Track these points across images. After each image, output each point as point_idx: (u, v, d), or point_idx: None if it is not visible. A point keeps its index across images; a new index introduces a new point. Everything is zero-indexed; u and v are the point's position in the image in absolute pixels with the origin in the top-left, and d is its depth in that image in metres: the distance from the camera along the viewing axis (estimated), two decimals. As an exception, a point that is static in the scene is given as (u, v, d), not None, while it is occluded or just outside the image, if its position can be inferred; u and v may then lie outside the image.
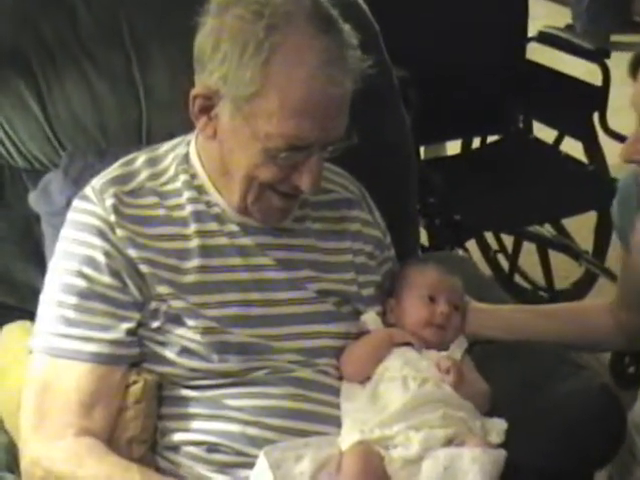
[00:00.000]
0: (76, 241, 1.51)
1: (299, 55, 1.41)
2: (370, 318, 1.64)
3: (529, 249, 3.35)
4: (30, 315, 1.67)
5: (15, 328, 1.69)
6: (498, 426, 1.56)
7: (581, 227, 3.05)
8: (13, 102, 1.77)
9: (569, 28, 5.21)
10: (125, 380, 1.48)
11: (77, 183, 1.71)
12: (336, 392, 1.56)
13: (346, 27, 1.48)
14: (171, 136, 1.75)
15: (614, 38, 5.50)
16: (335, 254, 1.64)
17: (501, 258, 3.42)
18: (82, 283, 1.48)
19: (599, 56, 2.90)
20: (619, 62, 2.99)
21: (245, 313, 1.53)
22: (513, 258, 3.35)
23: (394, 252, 1.78)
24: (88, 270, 1.48)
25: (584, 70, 3.00)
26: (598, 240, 3.09)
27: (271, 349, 1.53)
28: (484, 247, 3.37)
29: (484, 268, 3.04)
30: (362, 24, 1.90)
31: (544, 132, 3.19)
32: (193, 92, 1.49)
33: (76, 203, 1.55)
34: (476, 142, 3.32)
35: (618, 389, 2.60)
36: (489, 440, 1.53)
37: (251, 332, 1.52)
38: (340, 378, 1.58)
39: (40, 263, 1.74)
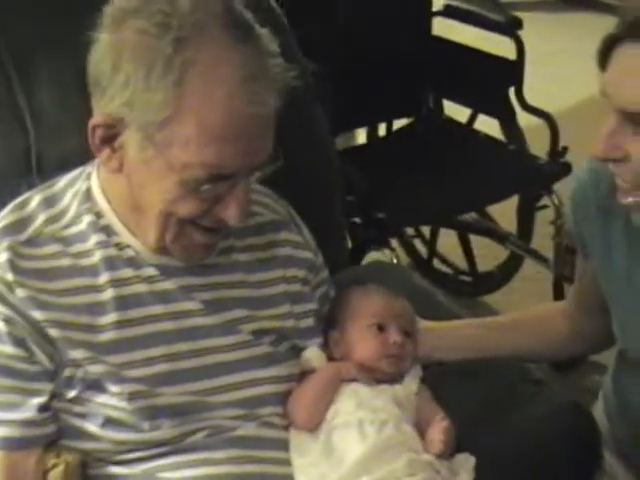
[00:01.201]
0: None
1: (215, 71, 1.23)
2: (313, 354, 1.47)
3: (447, 232, 3.23)
4: None
5: None
6: (466, 464, 1.42)
7: (502, 207, 2.92)
8: None
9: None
10: (42, 465, 1.29)
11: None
12: (285, 446, 1.39)
13: (264, 32, 1.29)
14: (65, 164, 1.55)
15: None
16: (267, 286, 1.47)
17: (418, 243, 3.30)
18: None
19: (511, 28, 2.76)
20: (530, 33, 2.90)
21: (173, 368, 1.34)
22: (431, 243, 3.24)
23: (327, 273, 1.61)
24: None
25: (495, 43, 2.86)
26: (521, 221, 2.98)
27: (207, 406, 1.35)
28: (400, 234, 3.22)
29: (400, 254, 2.90)
30: (271, 18, 1.73)
31: (455, 112, 3.06)
32: (92, 122, 1.29)
33: (-38, 260, 1.34)
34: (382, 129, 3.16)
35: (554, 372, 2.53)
36: (459, 480, 1.39)
37: (183, 389, 1.34)
38: (286, 427, 1.41)
39: None
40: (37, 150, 1.61)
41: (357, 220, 2.49)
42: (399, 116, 3.07)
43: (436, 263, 3.31)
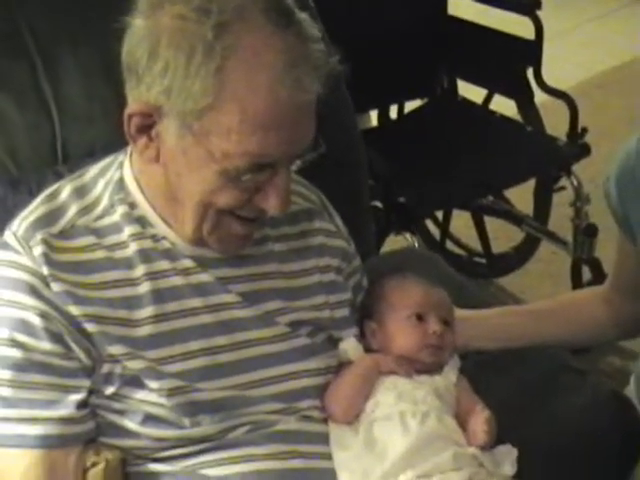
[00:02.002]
0: (2, 301, 1.26)
1: (258, 57, 1.18)
2: (350, 346, 1.44)
3: (459, 213, 3.20)
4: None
5: None
6: (509, 455, 1.39)
7: (519, 189, 2.89)
8: None
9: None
10: (82, 463, 1.25)
11: (-10, 222, 1.47)
12: (325, 440, 1.36)
13: (304, 17, 1.25)
14: (92, 153, 1.52)
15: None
16: (302, 276, 1.43)
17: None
18: (16, 353, 1.24)
19: (529, 8, 2.71)
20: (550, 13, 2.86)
21: (212, 362, 1.31)
22: (444, 224, 3.20)
23: (360, 261, 1.58)
24: (22, 336, 1.24)
25: (513, 23, 2.82)
26: (538, 203, 2.94)
27: (247, 401, 1.31)
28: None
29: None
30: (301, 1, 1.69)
31: (469, 92, 3.02)
32: (128, 110, 1.25)
33: (-4, 254, 1.30)
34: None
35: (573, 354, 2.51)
36: (503, 473, 1.36)
37: (223, 384, 1.30)
38: (325, 421, 1.38)
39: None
40: (63, 138, 1.59)
41: (378, 204, 2.45)
42: (413, 97, 3.02)
43: (449, 245, 3.27)
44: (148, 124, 1.24)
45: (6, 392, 1.23)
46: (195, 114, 1.19)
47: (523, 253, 3.08)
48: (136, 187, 1.34)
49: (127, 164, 1.36)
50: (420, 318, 1.45)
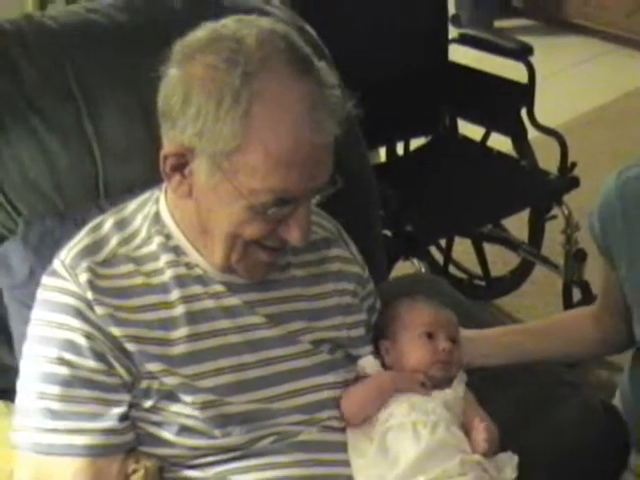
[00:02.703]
0: (51, 324, 1.26)
1: (281, 102, 1.18)
2: (368, 363, 1.43)
3: (461, 239, 3.19)
4: (0, 393, 1.43)
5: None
6: (510, 461, 1.38)
7: (514, 217, 2.88)
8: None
9: (455, 18, 5.05)
10: (124, 470, 1.24)
11: (38, 251, 1.47)
12: (344, 448, 1.35)
13: (322, 65, 1.26)
14: (131, 188, 1.52)
15: (497, 24, 5.40)
16: (322, 299, 1.43)
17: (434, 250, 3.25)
18: (64, 370, 1.23)
19: (523, 54, 2.72)
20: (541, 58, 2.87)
21: (241, 378, 1.30)
22: (447, 250, 3.20)
23: (373, 285, 1.57)
24: (69, 356, 1.23)
25: (508, 68, 2.83)
26: (532, 230, 2.92)
27: (273, 413, 1.30)
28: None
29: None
30: (318, 51, 1.70)
31: (469, 130, 3.02)
32: (164, 151, 1.25)
33: (45, 280, 1.30)
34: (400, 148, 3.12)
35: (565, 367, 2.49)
36: (504, 478, 1.35)
37: (250, 397, 1.30)
38: (344, 430, 1.37)
39: (7, 338, 1.49)
40: (104, 176, 1.58)
41: (387, 233, 2.44)
42: (417, 135, 3.01)
43: (451, 269, 3.26)
44: (182, 163, 1.24)
45: (55, 406, 1.23)
46: (224, 154, 1.19)
47: (519, 276, 3.06)
48: (171, 220, 1.34)
49: (162, 199, 1.36)
50: (430, 336, 1.44)
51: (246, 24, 1.23)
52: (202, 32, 1.24)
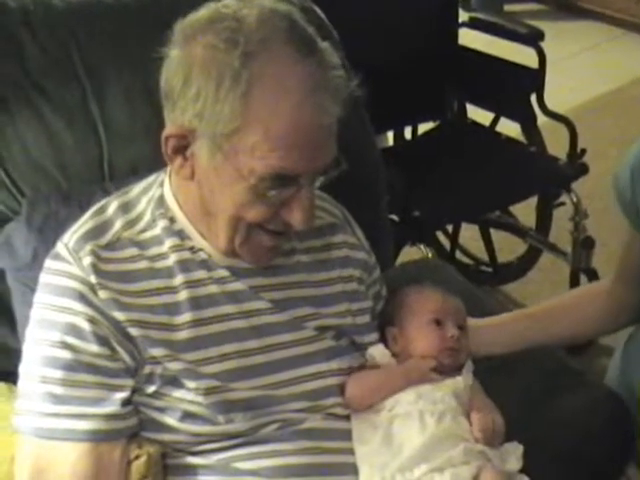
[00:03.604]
0: (54, 307, 1.24)
1: (281, 84, 1.16)
2: (378, 351, 1.41)
3: (467, 225, 3.18)
4: (3, 375, 1.41)
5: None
6: (515, 451, 1.36)
7: (523, 204, 2.86)
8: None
9: (465, 1, 5.03)
10: (126, 456, 1.23)
11: (42, 232, 1.46)
12: (348, 436, 1.33)
13: (325, 46, 1.23)
14: (135, 170, 1.51)
15: (507, 8, 5.37)
16: (327, 285, 1.41)
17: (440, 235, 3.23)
18: (67, 355, 1.22)
19: (533, 39, 2.69)
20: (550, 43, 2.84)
21: (245, 364, 1.28)
22: (453, 236, 3.18)
23: (379, 272, 1.55)
24: (72, 339, 1.22)
25: (516, 52, 2.80)
26: (540, 217, 2.90)
27: (277, 399, 1.29)
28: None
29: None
30: (323, 31, 1.68)
31: (477, 115, 2.99)
32: (165, 132, 1.23)
33: (49, 264, 1.28)
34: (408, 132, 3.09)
35: (570, 356, 2.48)
36: (509, 467, 1.33)
37: (254, 384, 1.28)
38: (348, 417, 1.35)
39: (10, 320, 1.48)
40: (109, 157, 1.56)
41: (394, 218, 2.42)
42: (425, 120, 2.99)
43: (458, 255, 3.25)
44: (183, 145, 1.22)
45: (57, 390, 1.21)
46: (224, 135, 1.17)
47: (526, 263, 3.05)
48: (175, 203, 1.32)
49: (167, 182, 1.34)
50: (438, 323, 1.42)
51: (247, 3, 1.21)
52: (203, 12, 1.22)
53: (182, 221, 1.31)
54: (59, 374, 1.21)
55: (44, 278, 1.28)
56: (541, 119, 2.77)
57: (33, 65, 1.53)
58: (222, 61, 1.16)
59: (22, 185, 1.51)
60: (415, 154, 2.85)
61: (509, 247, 3.14)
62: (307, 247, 1.42)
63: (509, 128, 2.92)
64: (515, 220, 2.98)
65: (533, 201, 2.90)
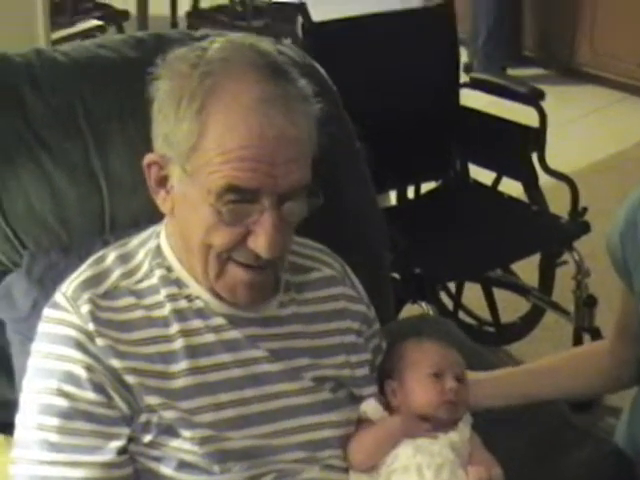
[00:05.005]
0: (52, 355, 1.25)
1: (236, 100, 1.19)
2: (370, 407, 1.40)
3: (471, 285, 3.18)
4: (1, 427, 1.41)
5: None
6: None
7: (525, 263, 2.87)
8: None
9: (467, 67, 5.10)
10: None
11: (42, 283, 1.47)
12: (345, 489, 1.32)
13: (302, 82, 1.26)
14: (136, 222, 1.52)
15: (509, 72, 5.43)
16: (325, 337, 1.40)
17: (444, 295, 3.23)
18: (63, 402, 1.22)
19: (534, 99, 2.72)
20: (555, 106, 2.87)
21: (242, 413, 1.28)
22: (457, 296, 3.18)
23: (379, 325, 1.54)
24: (69, 387, 1.22)
25: (517, 111, 2.83)
26: (543, 276, 2.91)
27: (273, 450, 1.28)
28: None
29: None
30: (322, 86, 1.70)
31: (480, 175, 3.02)
32: (145, 160, 1.27)
33: (47, 312, 1.29)
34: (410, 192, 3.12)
35: (574, 413, 2.46)
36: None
37: (251, 433, 1.27)
38: (346, 470, 1.35)
39: (8, 372, 1.48)
40: (111, 210, 1.57)
41: (396, 276, 2.43)
42: (428, 179, 3.02)
43: (461, 315, 3.24)
44: (163, 176, 1.25)
45: (53, 438, 1.21)
46: (185, 155, 1.20)
47: (529, 322, 3.04)
48: (170, 252, 1.33)
49: (163, 233, 1.36)
50: (437, 376, 1.42)
51: (225, 38, 1.26)
52: (184, 48, 1.27)
53: (178, 269, 1.32)
54: (55, 422, 1.21)
55: (42, 327, 1.28)
56: (543, 178, 2.79)
57: (37, 119, 1.55)
58: (184, 83, 1.21)
59: (24, 237, 1.52)
60: (417, 213, 2.86)
61: (512, 307, 3.14)
62: (305, 299, 1.42)
63: (511, 187, 2.94)
64: (518, 279, 2.99)
65: (536, 260, 2.90)
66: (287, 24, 4.27)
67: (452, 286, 3.16)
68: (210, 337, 1.30)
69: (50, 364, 1.24)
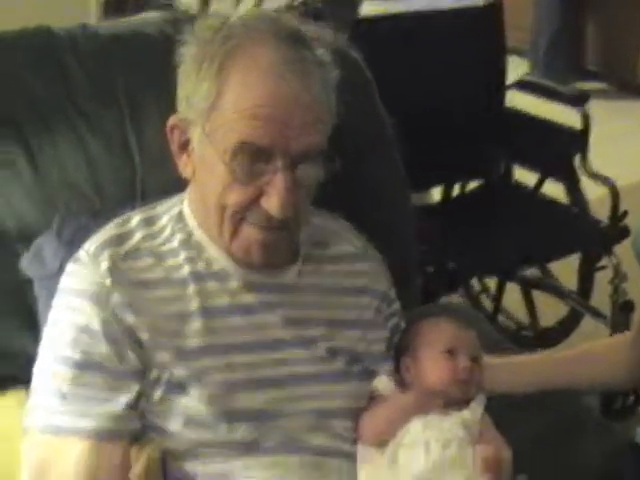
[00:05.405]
0: (70, 308, 1.28)
1: (254, 60, 1.22)
2: (381, 383, 1.40)
3: (511, 288, 3.15)
4: (25, 384, 1.43)
5: (9, 399, 1.45)
6: None
7: (564, 266, 2.85)
8: (3, 163, 1.53)
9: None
10: (127, 457, 1.23)
11: (71, 245, 1.48)
12: (352, 458, 1.32)
13: (320, 50, 1.28)
14: (166, 192, 1.54)
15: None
16: (341, 310, 1.41)
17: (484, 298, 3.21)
18: (77, 354, 1.24)
19: (579, 101, 2.70)
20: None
21: (252, 376, 1.29)
22: (497, 299, 3.16)
23: (399, 305, 1.54)
24: (83, 339, 1.25)
25: (562, 113, 2.81)
26: (582, 279, 2.88)
27: (282, 414, 1.29)
28: (467, 288, 3.16)
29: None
30: (354, 71, 1.72)
31: (524, 176, 3.00)
32: (168, 123, 1.30)
33: (69, 267, 1.32)
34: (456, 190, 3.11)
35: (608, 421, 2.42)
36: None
37: (259, 396, 1.28)
38: (354, 441, 1.35)
39: (34, 329, 1.50)
40: (142, 179, 1.60)
41: (429, 269, 2.43)
42: (472, 178, 3.01)
43: (500, 319, 3.22)
44: (185, 140, 1.28)
45: (66, 388, 1.24)
46: (204, 115, 1.23)
47: (567, 327, 3.00)
48: (191, 217, 1.36)
49: (186, 199, 1.38)
50: (451, 354, 1.41)
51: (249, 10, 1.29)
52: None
53: (199, 234, 1.34)
54: (68, 372, 1.24)
55: (63, 281, 1.32)
56: (585, 182, 2.77)
57: (77, 89, 1.59)
58: (206, 47, 1.25)
59: (57, 201, 1.55)
60: (458, 210, 2.86)
61: (551, 311, 3.11)
62: (325, 272, 1.43)
63: (554, 190, 2.92)
64: (556, 282, 2.96)
65: (575, 264, 2.88)
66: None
67: (492, 289, 3.14)
68: (225, 300, 1.32)
69: (67, 316, 1.27)
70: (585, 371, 1.58)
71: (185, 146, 1.29)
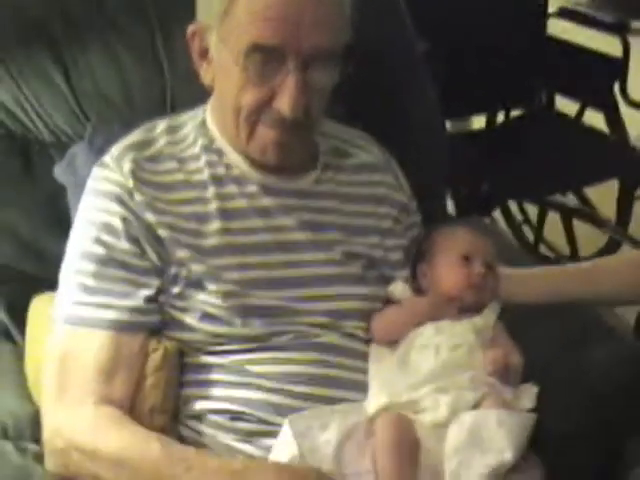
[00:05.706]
0: (94, 208, 1.33)
1: None
2: (397, 288, 1.42)
3: (553, 219, 3.14)
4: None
5: (45, 299, 1.51)
6: (529, 391, 1.35)
7: (603, 196, 2.84)
8: (38, 75, 1.58)
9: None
10: (145, 348, 1.29)
11: (102, 154, 1.51)
12: (363, 357, 1.35)
13: None
14: (194, 104, 1.57)
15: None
16: (359, 217, 1.44)
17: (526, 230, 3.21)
18: (100, 250, 1.30)
19: (619, 29, 2.67)
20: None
21: (267, 276, 1.33)
22: (538, 229, 3.15)
23: (420, 217, 1.57)
24: (106, 237, 1.30)
25: (604, 42, 2.78)
26: (621, 209, 2.87)
27: (296, 312, 1.33)
28: (509, 218, 3.15)
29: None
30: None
31: (566, 105, 2.98)
32: (188, 30, 1.32)
33: (95, 170, 1.37)
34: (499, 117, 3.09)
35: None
36: (521, 405, 1.33)
37: (274, 294, 1.32)
38: (368, 342, 1.38)
39: (67, 234, 1.56)
40: (171, 92, 1.64)
41: (463, 191, 2.44)
42: (514, 107, 3.00)
43: (542, 249, 3.21)
44: (205, 47, 1.31)
45: (89, 282, 1.29)
46: (219, 19, 1.26)
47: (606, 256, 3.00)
48: (213, 123, 1.39)
49: (209, 108, 1.42)
50: (467, 260, 1.43)
51: None
52: None
53: (219, 140, 1.38)
54: (92, 267, 1.29)
55: (89, 183, 1.37)
56: (625, 111, 2.74)
57: (110, 5, 1.63)
58: None
59: (89, 112, 1.60)
60: (499, 138, 2.86)
61: (591, 243, 3.10)
62: (343, 180, 1.45)
63: (595, 120, 2.89)
64: (595, 211, 2.95)
65: (614, 194, 2.86)
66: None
67: (534, 218, 3.14)
68: (243, 202, 1.36)
69: (92, 215, 1.32)
70: (604, 284, 1.55)
71: (205, 54, 1.32)
